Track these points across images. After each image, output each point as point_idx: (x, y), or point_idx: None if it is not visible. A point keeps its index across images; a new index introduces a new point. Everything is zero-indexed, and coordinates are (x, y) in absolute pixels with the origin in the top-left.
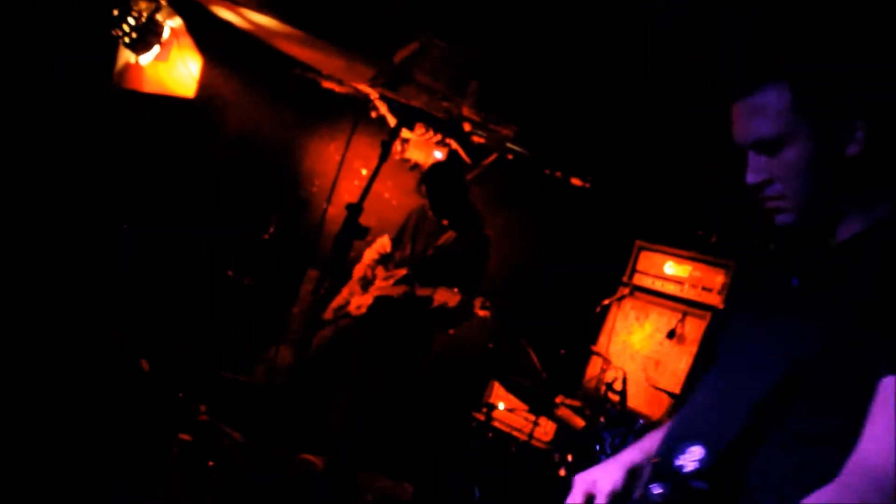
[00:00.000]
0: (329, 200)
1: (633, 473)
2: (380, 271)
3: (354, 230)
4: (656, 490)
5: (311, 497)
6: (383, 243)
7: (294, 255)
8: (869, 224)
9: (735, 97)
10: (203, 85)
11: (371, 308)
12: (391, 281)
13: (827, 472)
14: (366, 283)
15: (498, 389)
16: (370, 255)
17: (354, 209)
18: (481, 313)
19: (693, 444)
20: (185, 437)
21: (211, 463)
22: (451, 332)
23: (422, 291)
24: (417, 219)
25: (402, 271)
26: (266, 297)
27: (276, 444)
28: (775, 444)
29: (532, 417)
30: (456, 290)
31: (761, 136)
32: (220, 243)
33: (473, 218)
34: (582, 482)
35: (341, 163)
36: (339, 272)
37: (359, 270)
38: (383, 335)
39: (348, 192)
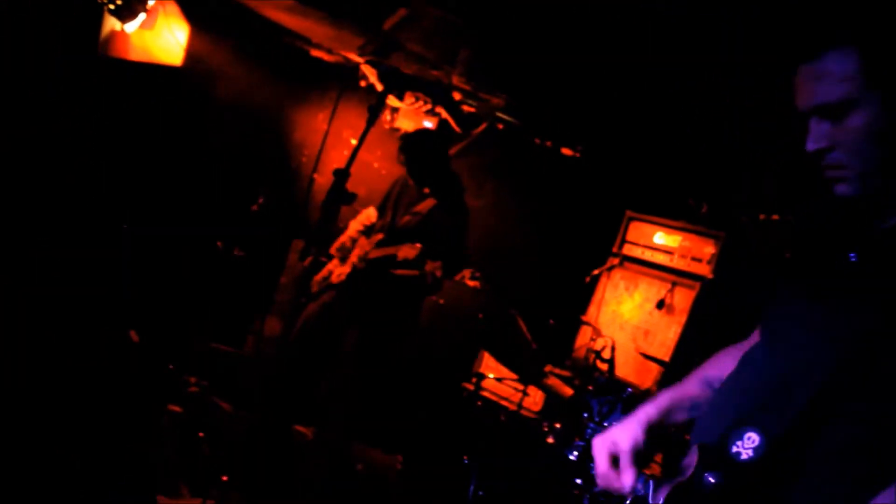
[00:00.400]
0: (316, 170)
1: (651, 430)
2: (362, 241)
3: (341, 196)
4: (711, 479)
5: (302, 467)
6: (368, 214)
7: (283, 226)
8: None
9: (800, 60)
10: (190, 53)
11: (349, 277)
12: (367, 248)
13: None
14: (345, 254)
15: (488, 360)
16: (355, 226)
17: (341, 174)
18: (471, 283)
19: (749, 431)
20: (175, 408)
21: (201, 434)
22: (440, 301)
23: (387, 250)
24: (400, 187)
25: (379, 237)
26: (257, 268)
27: (267, 415)
28: (840, 428)
29: (521, 387)
30: (417, 245)
31: (826, 100)
32: (209, 214)
33: (454, 185)
34: (602, 443)
35: (327, 132)
36: (324, 240)
37: (340, 242)
38: (362, 303)
39: (337, 161)
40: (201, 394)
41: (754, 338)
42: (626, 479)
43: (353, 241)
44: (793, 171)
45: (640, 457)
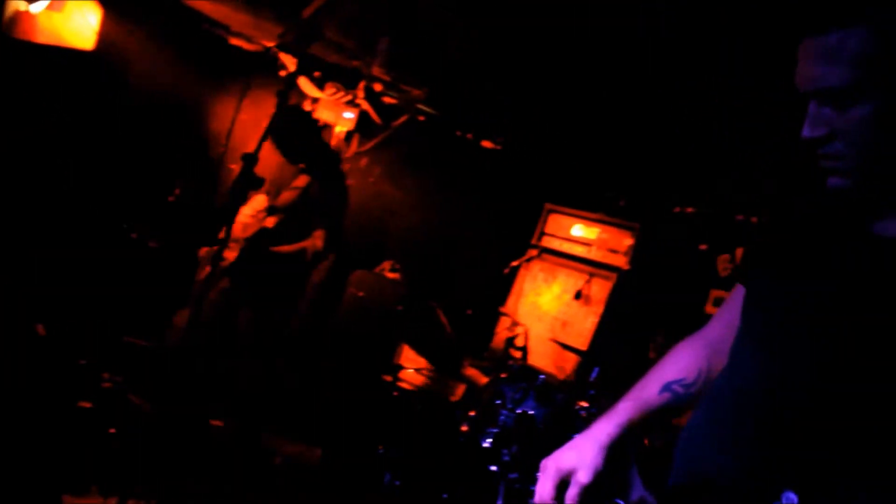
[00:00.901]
0: (230, 159)
1: (613, 451)
2: (251, 223)
3: (249, 180)
4: None
5: (216, 461)
6: (260, 200)
7: (201, 216)
8: None
9: (805, 34)
10: (103, 38)
11: (236, 259)
12: (250, 231)
13: None
14: (240, 240)
15: (407, 352)
16: (247, 212)
17: (250, 158)
18: (391, 276)
19: (787, 493)
20: (85, 404)
21: (112, 430)
22: (359, 293)
23: (296, 246)
24: (283, 166)
25: (261, 216)
26: (175, 260)
27: (182, 408)
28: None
29: (440, 378)
30: (281, 215)
31: (830, 84)
32: (123, 205)
33: (329, 157)
34: (554, 467)
35: (234, 119)
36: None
37: (234, 229)
38: (251, 284)
39: (264, 158)
40: (114, 389)
41: (712, 330)
42: None
43: (245, 227)
44: (710, 162)
45: (599, 487)
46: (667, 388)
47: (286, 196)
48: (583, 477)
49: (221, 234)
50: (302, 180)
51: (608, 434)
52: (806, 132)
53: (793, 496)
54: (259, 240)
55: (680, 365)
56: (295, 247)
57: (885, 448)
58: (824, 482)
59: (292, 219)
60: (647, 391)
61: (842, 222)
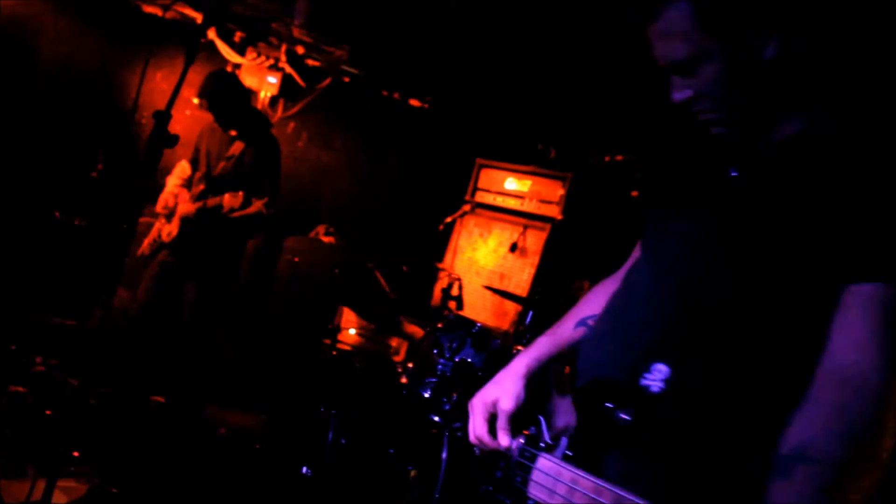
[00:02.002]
0: (148, 128)
1: (532, 382)
2: (183, 195)
3: (163, 138)
4: (624, 416)
5: (158, 435)
6: (183, 167)
7: (129, 192)
8: (803, 126)
9: (645, 22)
10: (4, 9)
11: (179, 233)
12: (190, 201)
13: (796, 381)
14: (172, 211)
15: (348, 314)
16: (173, 181)
17: (162, 116)
18: (326, 240)
19: (655, 362)
20: (17, 388)
21: (49, 412)
22: (294, 259)
23: (211, 201)
24: (208, 137)
25: (201, 187)
26: (101, 238)
27: (120, 387)
28: (737, 355)
29: (382, 337)
30: (240, 193)
31: (675, 58)
32: (42, 183)
33: (260, 123)
34: (480, 403)
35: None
36: (148, 187)
37: (163, 200)
38: (196, 255)
39: (181, 122)
40: (47, 372)
41: (623, 269)
42: (503, 440)
43: (175, 196)
44: (639, 111)
45: (522, 415)
46: (581, 322)
47: (223, 166)
48: (505, 405)
49: (154, 208)
50: (236, 147)
51: (526, 366)
52: (675, 97)
53: (663, 367)
54: (214, 214)
55: (593, 303)
56: (248, 211)
57: (748, 334)
58: (696, 360)
59: (231, 188)
60: (564, 327)
61: (730, 147)
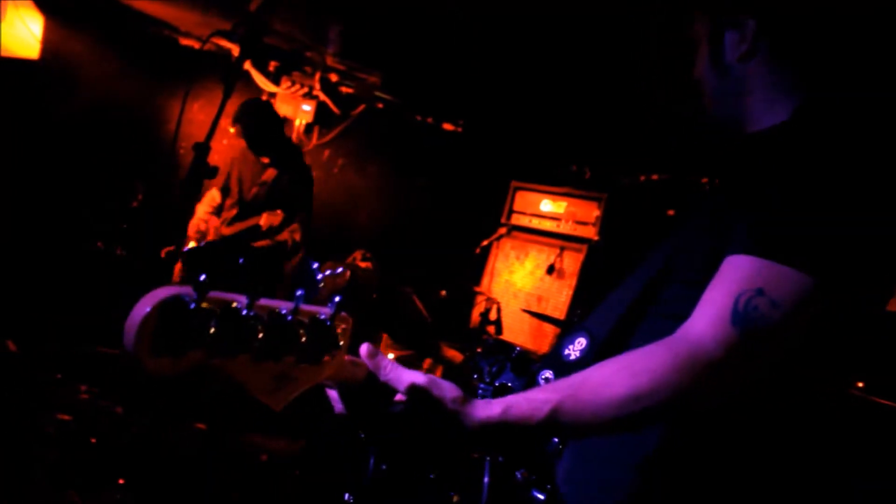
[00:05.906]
0: (187, 158)
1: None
2: (214, 221)
3: (202, 170)
4: (546, 375)
5: (201, 462)
6: (213, 196)
7: (169, 221)
8: (771, 124)
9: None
10: (48, 46)
11: (212, 257)
12: (223, 225)
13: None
14: (203, 236)
15: (387, 341)
16: (203, 209)
17: (201, 148)
18: (363, 265)
19: (579, 335)
20: (63, 417)
21: (93, 440)
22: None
23: (248, 222)
24: (240, 163)
25: (233, 212)
26: (143, 266)
27: (162, 415)
28: (647, 329)
29: (420, 363)
30: (279, 211)
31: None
32: (85, 215)
33: (292, 151)
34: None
35: (181, 115)
36: (187, 217)
37: (194, 226)
38: (226, 280)
39: (218, 152)
40: (92, 400)
41: None
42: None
43: (206, 222)
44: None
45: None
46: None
47: (256, 192)
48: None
49: (190, 232)
50: (269, 174)
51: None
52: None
53: (583, 339)
54: (247, 237)
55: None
56: (273, 241)
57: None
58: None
59: (261, 212)
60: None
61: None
